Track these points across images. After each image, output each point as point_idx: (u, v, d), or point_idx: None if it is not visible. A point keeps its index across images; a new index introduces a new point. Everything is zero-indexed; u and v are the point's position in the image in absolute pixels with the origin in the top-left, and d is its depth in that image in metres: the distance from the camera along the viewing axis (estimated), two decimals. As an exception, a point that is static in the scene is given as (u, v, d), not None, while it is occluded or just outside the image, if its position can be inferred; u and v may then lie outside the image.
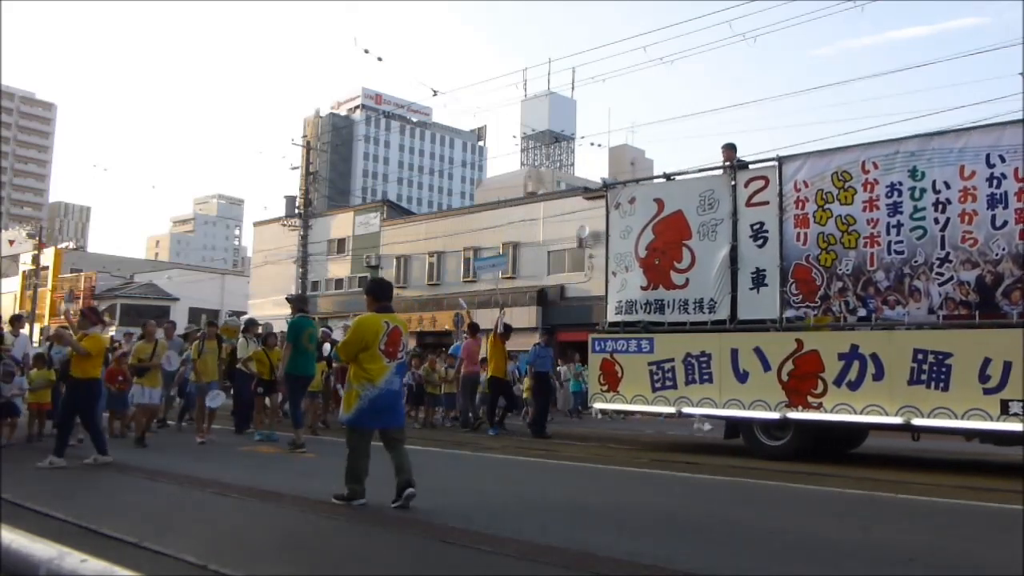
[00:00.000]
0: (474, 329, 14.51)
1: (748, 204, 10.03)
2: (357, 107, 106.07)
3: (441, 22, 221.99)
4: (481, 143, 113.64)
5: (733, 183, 10.23)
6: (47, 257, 46.91)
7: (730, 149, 11.03)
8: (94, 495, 6.68)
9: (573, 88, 72.52)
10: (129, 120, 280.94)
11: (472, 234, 31.08)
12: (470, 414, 14.14)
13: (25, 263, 47.93)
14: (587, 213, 27.77)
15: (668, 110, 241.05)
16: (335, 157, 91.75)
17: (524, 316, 28.16)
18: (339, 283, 37.18)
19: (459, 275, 31.96)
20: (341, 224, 37.93)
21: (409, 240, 33.54)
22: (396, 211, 38.90)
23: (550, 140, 78.90)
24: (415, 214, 42.36)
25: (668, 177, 11.34)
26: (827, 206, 9.35)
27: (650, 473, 8.48)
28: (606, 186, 12.09)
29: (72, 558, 2.52)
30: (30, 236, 49.62)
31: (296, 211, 34.89)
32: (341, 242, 37.48)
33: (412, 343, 25.21)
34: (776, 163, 9.93)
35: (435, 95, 38.45)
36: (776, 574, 4.27)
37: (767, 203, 9.85)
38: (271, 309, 36.10)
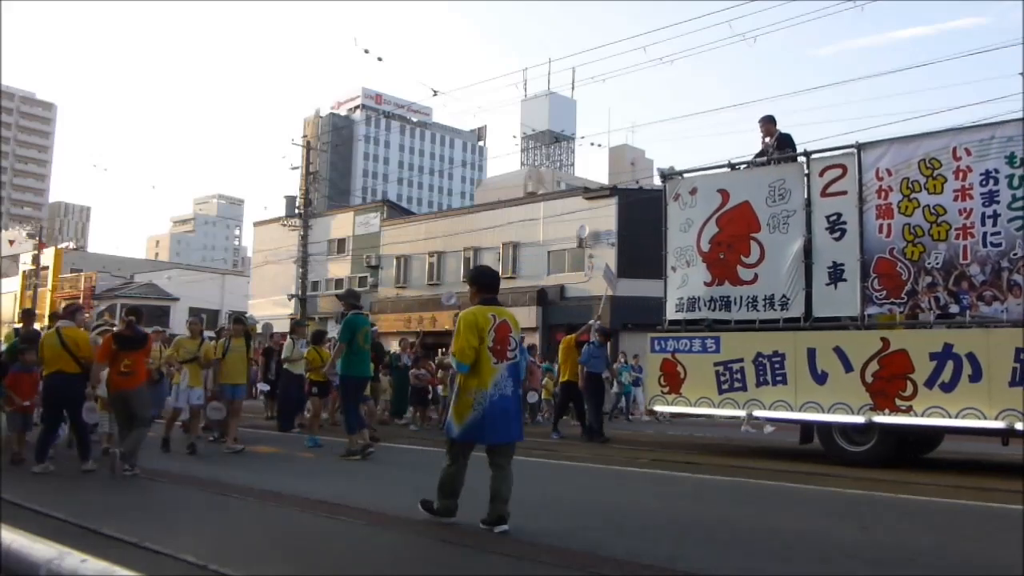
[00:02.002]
0: None
1: (823, 194, 9.46)
2: (357, 107, 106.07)
3: (441, 22, 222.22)
4: (481, 143, 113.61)
5: (806, 172, 9.67)
6: (47, 257, 46.89)
7: (769, 122, 10.43)
8: (94, 495, 6.67)
9: (573, 88, 72.67)
10: (129, 120, 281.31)
11: (472, 234, 31.07)
12: None
13: (25, 263, 47.88)
14: (587, 213, 27.81)
15: (668, 110, 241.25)
16: (335, 157, 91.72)
17: (523, 316, 28.20)
18: (339, 283, 37.13)
19: (459, 275, 31.93)
20: (341, 224, 37.92)
21: (409, 240, 33.53)
22: (396, 211, 38.89)
23: (550, 140, 78.93)
24: (415, 214, 42.36)
25: (732, 166, 10.67)
26: (913, 195, 8.78)
27: (650, 473, 8.47)
28: (664, 177, 11.17)
29: (72, 558, 2.53)
30: (30, 236, 49.59)
31: (296, 211, 34.87)
32: (341, 242, 37.48)
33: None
34: (854, 150, 9.30)
35: (435, 95, 38.44)
36: (776, 574, 4.27)
37: (845, 193, 9.29)
38: (271, 309, 36.15)
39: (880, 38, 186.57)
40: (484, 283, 5.30)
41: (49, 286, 45.38)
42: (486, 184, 47.63)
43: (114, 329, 8.49)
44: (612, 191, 28.98)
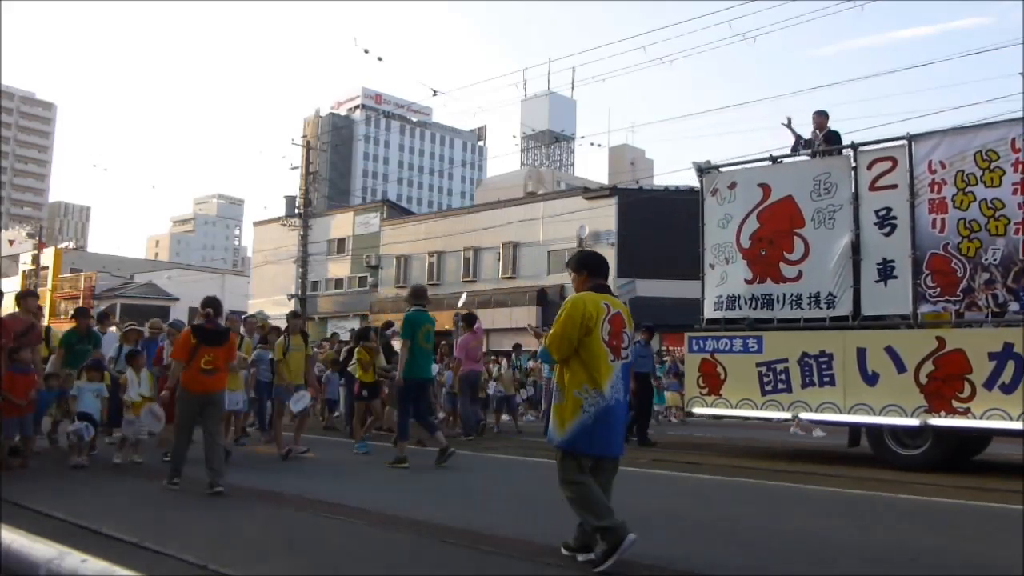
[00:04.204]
0: (470, 321, 12.60)
1: (872, 188, 9.12)
2: (357, 107, 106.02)
3: (441, 22, 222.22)
4: (481, 143, 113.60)
5: (854, 165, 9.33)
6: (47, 257, 46.99)
7: (822, 116, 10.24)
8: (94, 495, 6.67)
9: (573, 88, 72.64)
10: (129, 120, 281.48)
11: (472, 234, 31.12)
12: (482, 420, 12.99)
13: (25, 263, 47.98)
14: (587, 213, 27.85)
15: (668, 110, 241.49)
16: (335, 157, 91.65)
17: (524, 316, 28.21)
18: (339, 283, 37.20)
19: (459, 275, 31.98)
20: (341, 224, 37.95)
21: (409, 240, 33.57)
22: (396, 211, 38.96)
23: (550, 140, 78.92)
24: (415, 214, 42.41)
25: (774, 160, 10.43)
26: (969, 189, 8.42)
27: (650, 473, 8.47)
28: (701, 171, 10.70)
29: (72, 558, 2.53)
30: (30, 236, 49.72)
31: (296, 211, 34.93)
32: (341, 242, 37.51)
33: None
34: (905, 142, 8.97)
35: (435, 95, 38.63)
36: (776, 574, 4.27)
37: (895, 186, 8.95)
38: (271, 309, 36.10)
39: (880, 38, 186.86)
40: (594, 268, 4.52)
41: (49, 286, 45.43)
42: (486, 184, 47.67)
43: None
44: (612, 191, 29.05)
